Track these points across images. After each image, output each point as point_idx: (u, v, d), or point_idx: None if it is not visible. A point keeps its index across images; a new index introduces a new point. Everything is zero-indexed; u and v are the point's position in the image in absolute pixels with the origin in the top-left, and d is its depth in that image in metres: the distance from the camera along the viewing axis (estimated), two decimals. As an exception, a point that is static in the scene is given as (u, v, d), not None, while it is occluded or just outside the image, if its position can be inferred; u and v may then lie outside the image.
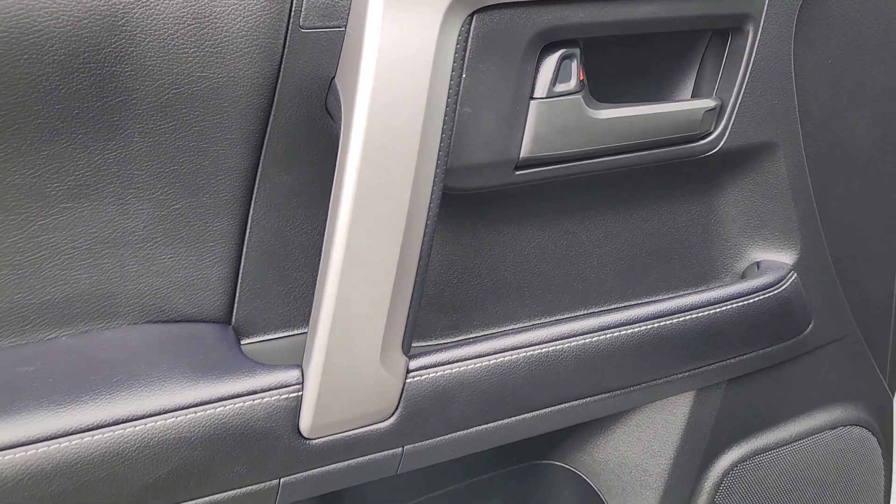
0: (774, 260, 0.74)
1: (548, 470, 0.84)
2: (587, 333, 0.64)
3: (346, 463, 0.60)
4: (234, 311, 0.62)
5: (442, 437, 0.63)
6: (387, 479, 0.72)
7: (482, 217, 0.68)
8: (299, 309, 0.63)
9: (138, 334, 0.59)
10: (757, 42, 0.64)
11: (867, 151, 0.77)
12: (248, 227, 0.60)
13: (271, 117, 0.56)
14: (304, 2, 0.53)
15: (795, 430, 0.82)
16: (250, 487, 0.58)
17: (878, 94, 0.76)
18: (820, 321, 0.78)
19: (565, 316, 0.71)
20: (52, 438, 0.51)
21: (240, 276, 0.61)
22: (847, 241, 0.79)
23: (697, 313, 0.68)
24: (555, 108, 0.59)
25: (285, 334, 0.64)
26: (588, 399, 0.67)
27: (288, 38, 0.54)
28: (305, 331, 0.63)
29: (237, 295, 0.62)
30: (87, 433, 0.52)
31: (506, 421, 0.65)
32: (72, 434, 0.51)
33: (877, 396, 0.89)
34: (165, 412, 0.53)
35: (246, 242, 0.60)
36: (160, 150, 0.55)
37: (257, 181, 0.59)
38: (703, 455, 0.78)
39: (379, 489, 0.78)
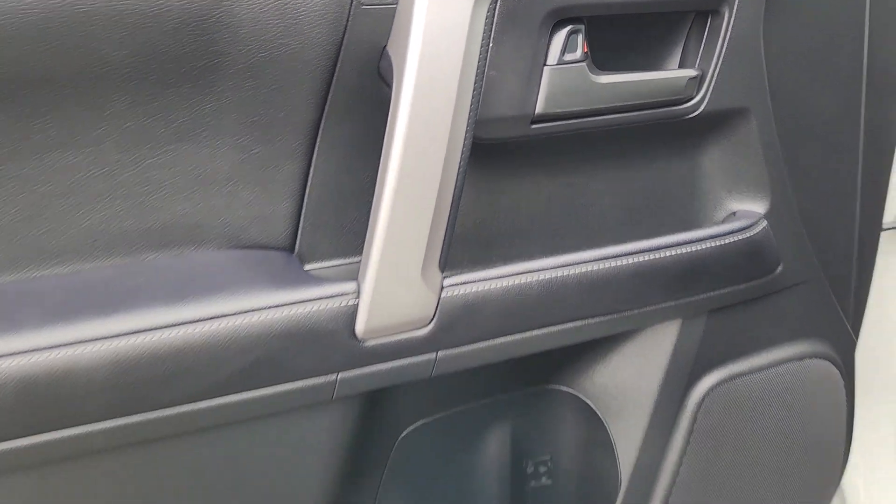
0: (748, 210, 0.87)
1: (554, 394, 0.97)
2: (589, 262, 0.78)
3: (391, 364, 0.73)
4: (298, 240, 0.75)
5: (469, 346, 0.76)
6: (408, 397, 0.86)
7: (503, 169, 0.81)
8: (351, 240, 0.76)
9: (223, 256, 0.72)
10: (732, 22, 0.77)
11: (829, 119, 0.90)
12: (312, 170, 0.73)
13: (334, 78, 0.69)
14: (363, -16, 0.66)
15: (767, 359, 0.95)
16: (314, 380, 0.71)
17: (838, 72, 0.89)
18: (788, 264, 0.91)
19: None
20: (163, 328, 0.64)
21: (303, 211, 0.74)
22: (812, 197, 0.92)
23: (682, 249, 0.81)
24: (563, 74, 0.72)
25: (340, 262, 0.77)
26: (589, 320, 0.81)
27: (350, 14, 0.67)
28: (357, 259, 0.76)
29: (300, 227, 0.75)
30: (189, 324, 0.65)
31: (522, 335, 0.78)
32: (178, 325, 0.65)
33: (840, 337, 1.02)
34: (251, 311, 0.67)
35: (309, 183, 0.73)
36: (245, 104, 0.68)
37: (320, 132, 0.72)
38: (688, 378, 0.91)
39: (403, 405, 0.91)
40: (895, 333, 1.19)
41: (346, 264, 0.78)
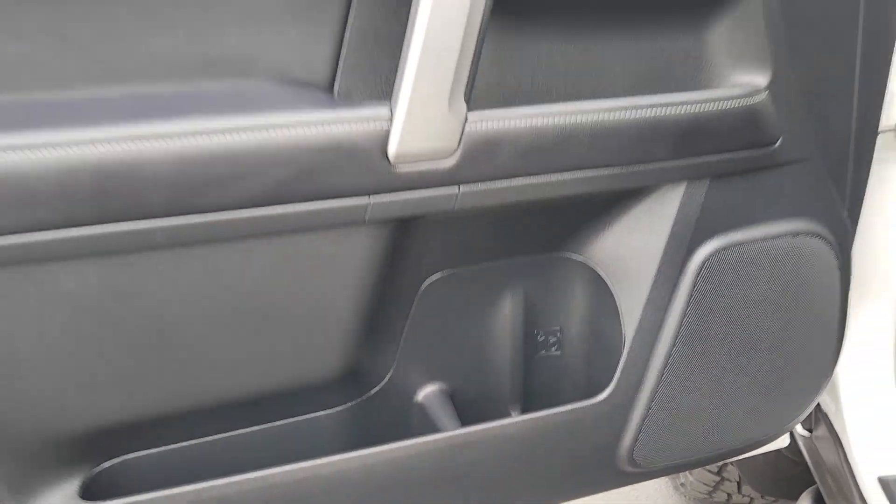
0: (751, 81, 0.94)
1: (564, 261, 1.05)
2: (600, 110, 0.85)
3: (419, 193, 0.81)
4: (337, 82, 0.83)
5: (489, 183, 0.84)
6: (432, 245, 0.93)
7: (524, 31, 0.88)
8: (385, 85, 0.83)
9: (269, 87, 0.80)
10: None
11: (830, 12, 0.97)
12: (351, 15, 0.80)
13: None
14: None
15: (764, 231, 1.01)
16: (350, 200, 0.79)
17: None
18: (787, 139, 0.97)
19: None
20: (221, 132, 0.72)
21: (342, 54, 0.82)
22: (812, 80, 0.99)
23: (686, 108, 0.88)
24: None
25: (372, 102, 0.85)
26: (600, 170, 0.88)
27: None
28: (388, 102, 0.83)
29: (339, 69, 0.82)
30: (243, 131, 0.73)
31: (537, 178, 0.85)
32: (233, 130, 0.73)
33: (836, 220, 1.08)
34: (294, 125, 0.74)
35: (348, 27, 0.81)
36: None
37: None
38: (689, 243, 0.98)
39: (427, 253, 0.97)
40: (886, 236, 1.25)
41: (379, 104, 0.85)
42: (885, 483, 1.21)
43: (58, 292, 0.76)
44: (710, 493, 2.08)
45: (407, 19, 0.77)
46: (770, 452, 1.66)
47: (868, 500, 1.25)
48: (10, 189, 0.68)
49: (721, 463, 1.93)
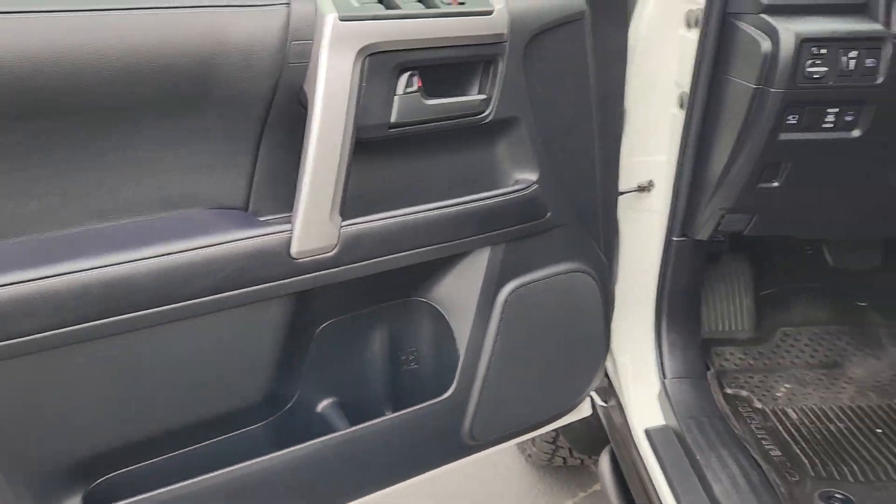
0: (526, 178, 1.42)
1: (415, 303, 1.49)
2: (426, 211, 1.30)
3: (313, 274, 1.23)
4: (250, 204, 1.22)
5: (358, 263, 1.26)
6: (321, 303, 1.35)
7: (375, 160, 1.31)
8: (283, 203, 1.24)
9: (206, 213, 1.19)
10: (504, 67, 1.31)
11: (572, 122, 1.47)
12: (258, 160, 1.21)
13: (272, 104, 1.17)
14: (290, 50, 1.15)
15: (546, 272, 1.51)
16: (267, 284, 1.19)
17: (574, 93, 1.46)
18: (553, 212, 1.47)
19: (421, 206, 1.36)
20: (178, 252, 1.11)
21: (252, 186, 1.22)
22: (566, 170, 1.49)
23: (485, 201, 1.36)
24: (406, 100, 1.23)
25: (277, 216, 1.25)
26: (429, 246, 1.33)
27: (283, 68, 1.15)
28: (288, 213, 1.23)
29: (251, 196, 1.22)
30: (193, 250, 1.12)
31: (388, 256, 1.29)
32: (186, 251, 1.11)
33: (595, 260, 1.59)
34: (228, 241, 1.14)
35: (256, 168, 1.21)
36: (223, 122, 1.15)
37: (263, 137, 1.19)
38: (496, 285, 1.46)
39: (318, 309, 1.39)
40: (639, 264, 1.79)
41: (281, 217, 1.26)
42: (647, 433, 1.75)
43: (72, 363, 1.11)
44: (549, 460, 2.61)
45: (297, 163, 1.19)
46: (584, 420, 2.20)
47: (639, 446, 1.78)
48: (46, 302, 1.04)
49: (552, 433, 2.46)
